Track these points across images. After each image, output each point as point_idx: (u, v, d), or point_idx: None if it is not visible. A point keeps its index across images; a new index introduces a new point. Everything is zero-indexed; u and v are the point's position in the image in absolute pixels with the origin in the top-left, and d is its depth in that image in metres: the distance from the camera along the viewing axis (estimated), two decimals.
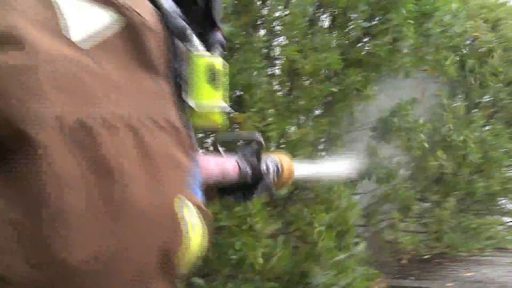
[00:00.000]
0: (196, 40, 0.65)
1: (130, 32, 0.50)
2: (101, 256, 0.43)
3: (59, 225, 0.41)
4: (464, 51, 4.71)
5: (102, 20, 0.49)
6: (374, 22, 3.64)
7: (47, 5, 0.47)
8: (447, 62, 4.16)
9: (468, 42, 5.43)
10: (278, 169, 1.08)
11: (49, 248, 0.40)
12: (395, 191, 5.93)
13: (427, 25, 3.97)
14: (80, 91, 0.44)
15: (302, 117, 3.27)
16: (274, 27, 2.96)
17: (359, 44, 3.61)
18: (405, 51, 3.41)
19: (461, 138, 5.40)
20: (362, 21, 3.42)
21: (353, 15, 3.40)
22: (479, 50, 4.87)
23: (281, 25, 2.94)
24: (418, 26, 3.90)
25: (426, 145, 4.98)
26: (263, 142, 1.02)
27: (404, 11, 3.44)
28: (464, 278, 4.17)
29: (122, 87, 0.48)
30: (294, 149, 2.89)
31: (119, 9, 0.50)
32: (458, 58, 4.65)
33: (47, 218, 0.40)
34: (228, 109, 0.69)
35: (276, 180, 1.08)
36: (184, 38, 0.62)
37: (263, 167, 1.03)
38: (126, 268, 0.46)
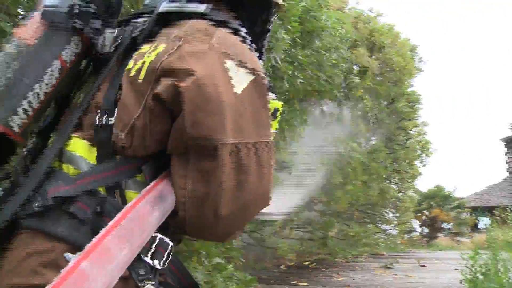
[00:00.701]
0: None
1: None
2: (234, 211, 0.91)
3: (220, 196, 0.88)
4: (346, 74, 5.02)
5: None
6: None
7: None
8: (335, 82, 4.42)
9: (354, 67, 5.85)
10: None
11: (216, 207, 0.88)
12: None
13: (316, 43, 4.19)
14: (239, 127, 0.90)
15: None
16: None
17: None
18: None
19: (348, 149, 5.74)
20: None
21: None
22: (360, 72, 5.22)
23: None
24: (305, 45, 4.10)
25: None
26: None
27: (289, 27, 3.60)
28: (335, 282, 4.44)
29: (251, 121, 0.93)
30: None
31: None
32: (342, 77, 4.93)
33: (217, 193, 0.87)
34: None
35: None
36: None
37: None
38: (245, 217, 0.98)
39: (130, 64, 0.95)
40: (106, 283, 0.76)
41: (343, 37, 4.63)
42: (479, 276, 3.57)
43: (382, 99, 6.76)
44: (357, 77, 4.98)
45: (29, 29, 0.97)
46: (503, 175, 25.49)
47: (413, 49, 8.99)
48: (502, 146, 25.68)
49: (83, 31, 0.99)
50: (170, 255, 0.90)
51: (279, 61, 3.44)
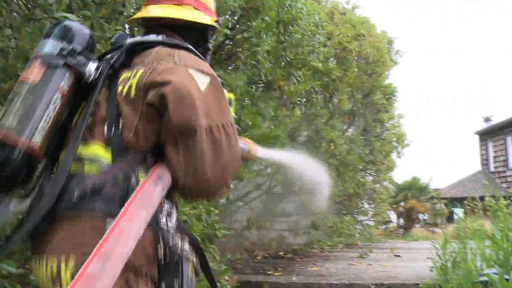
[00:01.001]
0: None
1: None
2: (216, 172, 1.28)
3: (204, 162, 1.25)
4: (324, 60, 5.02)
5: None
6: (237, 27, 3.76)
7: None
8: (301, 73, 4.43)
9: (333, 50, 5.85)
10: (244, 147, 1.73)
11: (203, 171, 1.26)
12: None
13: (291, 29, 4.19)
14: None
15: None
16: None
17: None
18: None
19: (329, 138, 5.76)
20: (225, 27, 3.52)
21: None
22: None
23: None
24: (279, 34, 4.10)
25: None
26: None
27: (267, 19, 3.60)
28: (310, 272, 4.49)
29: (216, 108, 1.33)
30: None
31: None
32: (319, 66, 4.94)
33: (202, 161, 1.27)
34: None
35: (244, 153, 1.70)
36: None
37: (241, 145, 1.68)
38: (225, 176, 1.34)
39: (120, 88, 1.35)
40: (136, 234, 1.15)
41: (318, 24, 4.64)
42: (449, 264, 3.65)
43: (358, 91, 6.80)
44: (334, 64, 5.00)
45: (33, 72, 1.32)
46: (477, 167, 26.07)
47: (390, 42, 9.06)
48: (477, 138, 26.23)
49: (73, 65, 1.35)
50: (175, 216, 1.34)
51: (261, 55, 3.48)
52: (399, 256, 5.98)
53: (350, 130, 8.45)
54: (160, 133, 1.31)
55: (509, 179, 22.17)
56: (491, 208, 3.85)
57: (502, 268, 3.29)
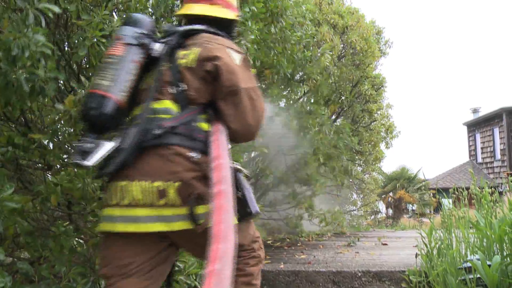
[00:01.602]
0: None
1: None
2: (254, 120, 1.92)
3: (246, 113, 1.90)
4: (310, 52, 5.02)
5: None
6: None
7: None
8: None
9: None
10: None
11: (246, 119, 1.90)
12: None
13: (280, 23, 4.19)
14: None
15: None
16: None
17: None
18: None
19: (316, 128, 5.76)
20: None
21: None
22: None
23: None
24: (266, 25, 4.09)
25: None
26: None
27: (254, 8, 3.60)
28: (297, 259, 4.53)
29: (248, 77, 1.97)
30: None
31: None
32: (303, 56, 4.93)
33: (245, 111, 1.89)
34: None
35: None
36: None
37: None
38: (259, 123, 1.94)
39: (181, 61, 1.89)
40: (227, 165, 1.69)
41: (305, 14, 4.64)
42: (434, 252, 3.71)
43: (346, 81, 6.82)
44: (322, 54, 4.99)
45: (118, 49, 1.88)
46: (465, 158, 26.34)
47: (379, 32, 9.09)
48: (465, 129, 26.46)
49: (144, 45, 1.92)
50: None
51: (248, 45, 3.48)
52: (386, 244, 6.05)
53: (339, 120, 8.49)
54: (212, 93, 1.88)
55: (496, 169, 22.45)
56: (476, 197, 3.91)
57: (485, 254, 3.36)
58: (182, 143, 1.77)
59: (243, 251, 1.98)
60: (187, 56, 1.89)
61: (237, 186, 1.84)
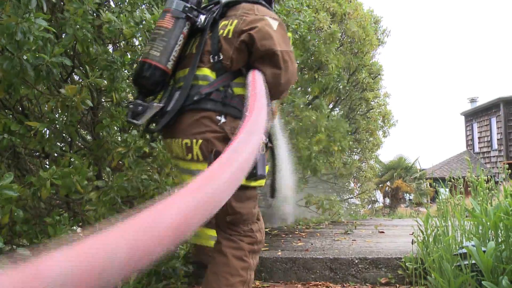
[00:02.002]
0: None
1: None
2: (286, 80, 2.05)
3: (280, 73, 2.03)
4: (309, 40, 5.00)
5: None
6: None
7: None
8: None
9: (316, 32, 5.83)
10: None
11: (279, 78, 2.03)
12: None
13: (277, 8, 4.16)
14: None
15: None
16: None
17: None
18: None
19: (313, 117, 5.76)
20: None
21: None
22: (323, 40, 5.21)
23: None
24: None
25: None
26: None
27: None
28: (295, 247, 4.56)
29: (284, 41, 2.12)
30: None
31: None
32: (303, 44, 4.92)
33: (278, 72, 2.04)
34: None
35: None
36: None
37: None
38: (290, 82, 2.10)
39: (220, 32, 2.08)
40: (264, 111, 1.53)
41: (303, 1, 4.61)
42: (430, 239, 3.74)
43: (344, 69, 6.81)
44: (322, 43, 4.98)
45: (166, 21, 2.10)
46: (462, 147, 26.40)
47: (377, 21, 9.06)
48: (462, 119, 26.49)
49: (191, 17, 2.13)
50: None
51: None
52: (383, 232, 6.08)
53: (336, 109, 8.49)
54: (247, 59, 2.05)
55: (493, 159, 22.53)
56: (472, 184, 3.93)
57: (480, 240, 3.39)
58: (213, 107, 2.00)
59: (240, 223, 2.08)
60: (226, 27, 2.08)
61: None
